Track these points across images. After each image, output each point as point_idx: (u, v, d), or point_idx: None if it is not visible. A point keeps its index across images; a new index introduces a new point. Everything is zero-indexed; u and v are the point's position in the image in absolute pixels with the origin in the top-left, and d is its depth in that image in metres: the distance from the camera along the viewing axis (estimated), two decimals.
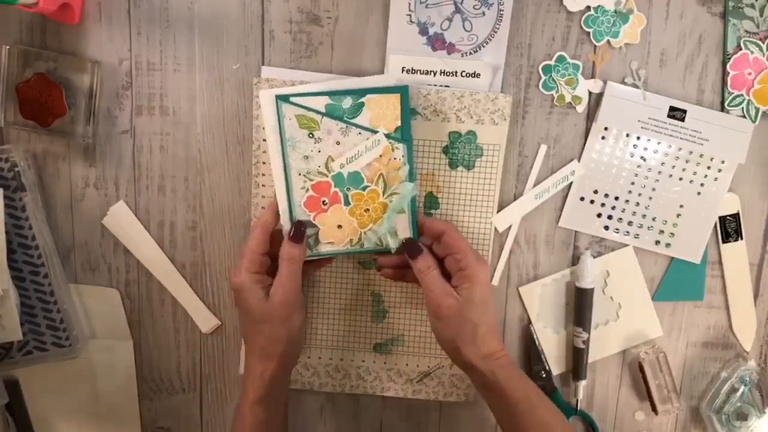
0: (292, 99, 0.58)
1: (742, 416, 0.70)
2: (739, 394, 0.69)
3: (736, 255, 0.69)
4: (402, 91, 0.59)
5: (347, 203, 0.60)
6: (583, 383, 0.69)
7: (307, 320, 0.68)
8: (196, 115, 0.65)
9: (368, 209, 0.61)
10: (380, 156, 0.59)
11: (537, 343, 0.69)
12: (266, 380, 0.59)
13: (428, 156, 0.65)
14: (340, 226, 0.61)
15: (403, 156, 0.60)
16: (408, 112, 0.59)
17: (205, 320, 0.69)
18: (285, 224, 0.61)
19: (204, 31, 0.64)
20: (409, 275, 0.62)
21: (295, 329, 0.60)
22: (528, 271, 0.69)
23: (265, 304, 0.58)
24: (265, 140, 0.64)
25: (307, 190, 0.60)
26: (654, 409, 0.70)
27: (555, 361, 0.70)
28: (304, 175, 0.60)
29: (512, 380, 0.58)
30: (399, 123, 0.59)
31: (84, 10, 0.63)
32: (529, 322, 0.69)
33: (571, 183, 0.66)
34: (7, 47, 0.62)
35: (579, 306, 0.67)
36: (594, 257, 0.67)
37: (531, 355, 0.69)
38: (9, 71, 0.62)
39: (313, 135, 0.59)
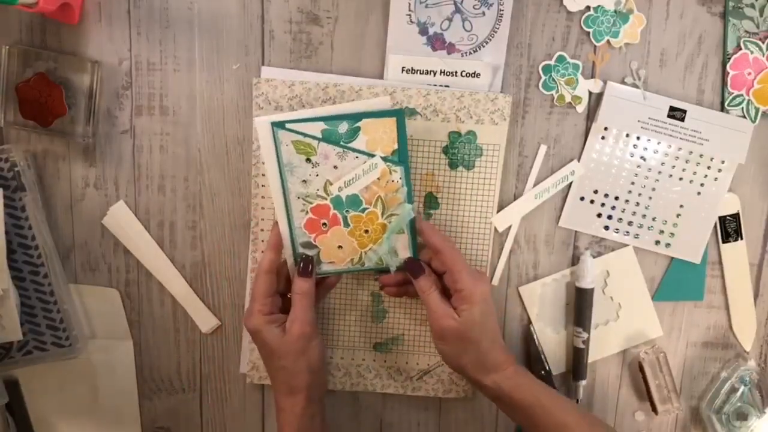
0: (288, 125, 0.58)
1: (742, 416, 0.70)
2: (739, 394, 0.70)
3: (736, 255, 0.69)
4: (398, 114, 0.58)
5: (347, 225, 0.61)
6: (583, 383, 0.69)
7: None
8: (196, 115, 0.65)
9: (368, 230, 0.61)
10: (378, 179, 0.59)
11: (537, 343, 0.69)
12: (298, 414, 0.60)
13: (428, 156, 0.65)
14: (340, 247, 0.61)
15: (400, 178, 0.60)
16: (404, 135, 0.59)
17: (205, 320, 0.69)
18: (287, 248, 0.61)
19: (204, 31, 0.64)
20: (412, 291, 0.62)
21: (315, 359, 0.60)
22: (528, 271, 0.69)
23: (282, 340, 0.59)
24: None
25: (307, 212, 0.60)
26: (654, 409, 0.70)
27: (555, 361, 0.70)
28: (303, 199, 0.60)
29: (520, 388, 0.59)
30: (396, 146, 0.59)
31: (84, 10, 0.63)
32: (529, 322, 0.69)
33: (571, 183, 0.66)
34: (7, 47, 0.62)
35: (579, 306, 0.67)
36: (594, 257, 0.67)
37: (531, 355, 0.69)
38: (9, 71, 0.62)
39: (310, 160, 0.58)
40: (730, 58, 0.64)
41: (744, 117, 0.65)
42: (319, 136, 0.58)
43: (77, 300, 0.68)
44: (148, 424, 0.71)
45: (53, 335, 0.65)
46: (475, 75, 0.64)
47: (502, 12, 0.63)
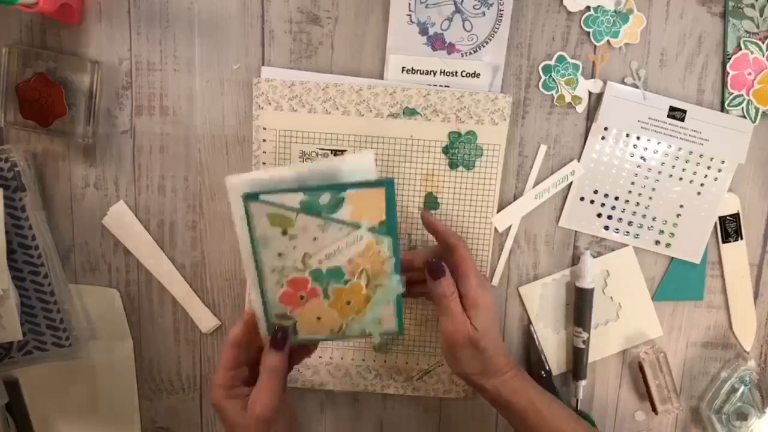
0: (262, 197, 0.50)
1: (742, 416, 0.70)
2: (739, 394, 0.70)
3: (736, 255, 0.69)
4: (387, 184, 0.50)
5: (326, 297, 0.53)
6: (583, 383, 0.69)
7: None
8: (196, 115, 0.65)
9: (350, 301, 0.54)
10: (363, 251, 0.52)
11: (537, 343, 0.69)
12: None
13: (428, 156, 0.65)
14: (319, 318, 0.54)
15: (388, 249, 0.53)
16: (393, 206, 0.51)
17: (205, 320, 0.69)
18: (260, 318, 0.54)
19: (204, 31, 0.64)
20: (417, 291, 0.61)
21: None
22: (528, 271, 0.69)
23: (242, 419, 0.53)
24: (264, 140, 0.64)
25: (282, 285, 0.53)
26: (654, 409, 0.70)
27: (555, 361, 0.70)
28: (278, 272, 0.52)
29: (517, 392, 0.59)
30: (384, 217, 0.51)
31: (84, 10, 0.63)
32: (529, 322, 0.69)
33: (570, 183, 0.66)
34: (7, 47, 0.62)
35: (579, 306, 0.67)
36: (594, 257, 0.67)
37: (531, 355, 0.69)
38: (9, 71, 0.62)
39: (287, 233, 0.51)
40: (730, 58, 0.64)
41: (744, 117, 0.65)
42: (298, 207, 0.50)
43: (77, 300, 0.68)
44: (148, 424, 0.71)
45: (53, 335, 0.65)
46: (475, 75, 0.64)
47: (502, 12, 0.63)
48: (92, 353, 0.68)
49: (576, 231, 0.68)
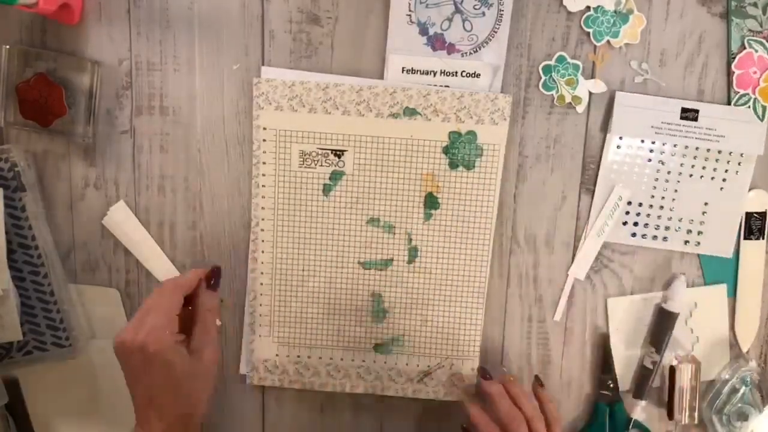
0: None
1: (743, 417, 0.70)
2: (739, 394, 0.69)
3: (755, 253, 0.68)
4: None
5: None
6: (642, 404, 0.69)
7: (308, 320, 0.68)
8: (196, 115, 0.65)
9: None
10: None
11: (610, 355, 0.69)
12: None
13: (428, 156, 0.65)
14: None
15: None
16: None
17: None
18: None
19: (204, 31, 0.64)
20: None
21: (212, 389, 0.57)
22: (528, 271, 0.68)
23: (195, 365, 0.54)
24: (264, 140, 0.64)
25: None
26: (670, 413, 0.69)
27: (621, 377, 0.70)
28: None
29: None
30: None
31: (84, 10, 0.63)
32: (608, 333, 0.69)
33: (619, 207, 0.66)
34: (7, 47, 0.62)
35: (659, 327, 0.67)
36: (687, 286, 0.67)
37: (603, 364, 0.69)
38: (9, 71, 0.62)
39: None
40: (734, 58, 0.64)
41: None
42: None
43: (77, 300, 0.68)
44: None
45: (53, 335, 0.65)
46: (475, 75, 0.64)
47: (502, 12, 0.63)
48: (92, 353, 0.68)
49: (584, 236, 0.68)
